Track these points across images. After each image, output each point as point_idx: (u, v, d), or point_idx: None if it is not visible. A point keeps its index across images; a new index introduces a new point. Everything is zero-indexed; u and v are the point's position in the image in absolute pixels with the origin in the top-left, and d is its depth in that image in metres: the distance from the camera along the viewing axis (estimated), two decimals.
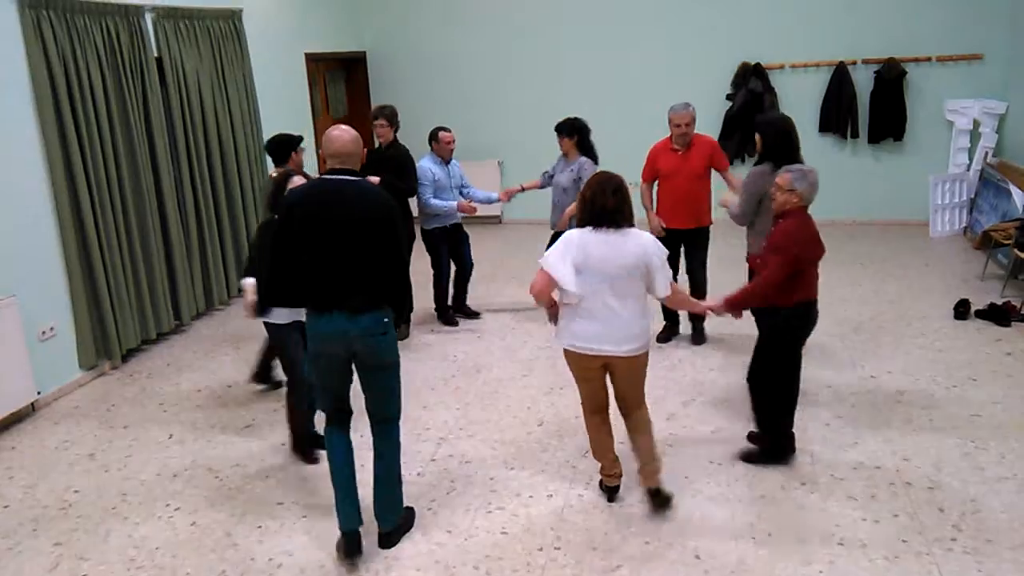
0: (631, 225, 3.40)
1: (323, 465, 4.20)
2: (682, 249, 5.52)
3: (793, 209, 3.69)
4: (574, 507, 3.72)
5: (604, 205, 3.35)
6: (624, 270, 3.35)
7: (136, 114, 5.79)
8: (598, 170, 3.77)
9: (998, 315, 5.72)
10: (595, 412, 3.69)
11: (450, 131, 5.99)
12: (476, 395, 4.98)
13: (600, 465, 3.77)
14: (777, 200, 3.73)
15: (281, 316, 3.97)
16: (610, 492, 3.76)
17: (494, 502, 3.80)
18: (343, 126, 3.34)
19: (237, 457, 4.35)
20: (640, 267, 3.37)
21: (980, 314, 5.82)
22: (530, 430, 4.50)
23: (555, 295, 3.49)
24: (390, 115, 5.75)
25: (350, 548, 3.38)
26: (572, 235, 3.40)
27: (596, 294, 3.37)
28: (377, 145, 5.83)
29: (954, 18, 8.05)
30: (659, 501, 3.60)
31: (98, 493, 4.05)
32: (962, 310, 5.85)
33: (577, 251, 3.35)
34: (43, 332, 5.16)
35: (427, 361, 5.55)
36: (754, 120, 4.98)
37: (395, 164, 5.63)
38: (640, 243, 3.37)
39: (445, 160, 5.96)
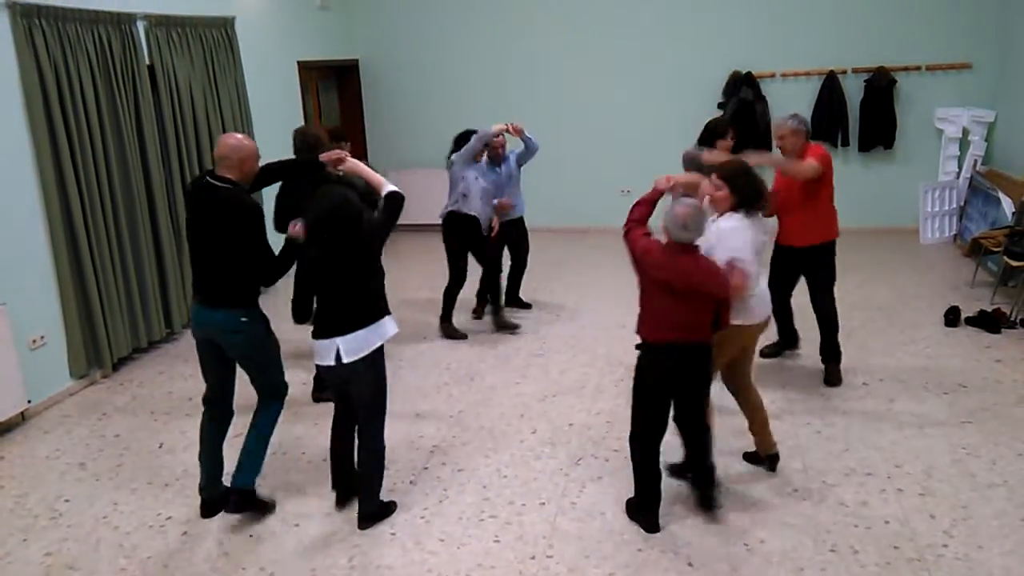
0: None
1: (314, 474, 4.19)
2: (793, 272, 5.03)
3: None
4: (567, 515, 3.72)
5: (759, 190, 3.64)
6: (763, 244, 3.72)
7: (128, 122, 5.78)
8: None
9: (988, 322, 5.75)
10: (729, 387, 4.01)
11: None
12: (469, 403, 4.98)
13: (763, 437, 4.01)
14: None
15: None
16: (772, 460, 4.02)
17: (487, 510, 3.80)
18: (237, 134, 3.67)
19: (227, 466, 4.32)
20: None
21: (970, 321, 5.85)
22: (523, 438, 4.49)
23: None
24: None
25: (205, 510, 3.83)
26: (737, 224, 3.58)
27: (758, 268, 3.68)
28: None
29: (943, 28, 8.11)
30: (775, 463, 4.00)
31: (89, 502, 4.03)
32: (952, 317, 5.88)
33: (751, 237, 3.59)
34: (33, 341, 5.13)
35: (420, 368, 5.55)
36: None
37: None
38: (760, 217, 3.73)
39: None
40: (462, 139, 5.95)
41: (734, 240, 3.53)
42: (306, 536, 3.66)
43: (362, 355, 3.49)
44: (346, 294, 3.47)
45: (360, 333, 3.48)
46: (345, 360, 3.47)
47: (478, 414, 4.81)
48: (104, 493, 4.11)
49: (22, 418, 5.01)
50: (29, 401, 5.02)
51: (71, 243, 5.31)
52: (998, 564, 3.22)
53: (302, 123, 8.44)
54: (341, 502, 3.87)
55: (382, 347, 3.58)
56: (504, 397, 5.04)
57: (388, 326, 3.60)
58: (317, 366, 3.61)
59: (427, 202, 9.48)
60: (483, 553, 3.47)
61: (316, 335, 3.54)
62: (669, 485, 3.88)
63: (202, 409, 3.89)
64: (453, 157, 5.93)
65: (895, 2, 8.15)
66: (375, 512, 3.74)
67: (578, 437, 4.47)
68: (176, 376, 5.64)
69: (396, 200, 3.65)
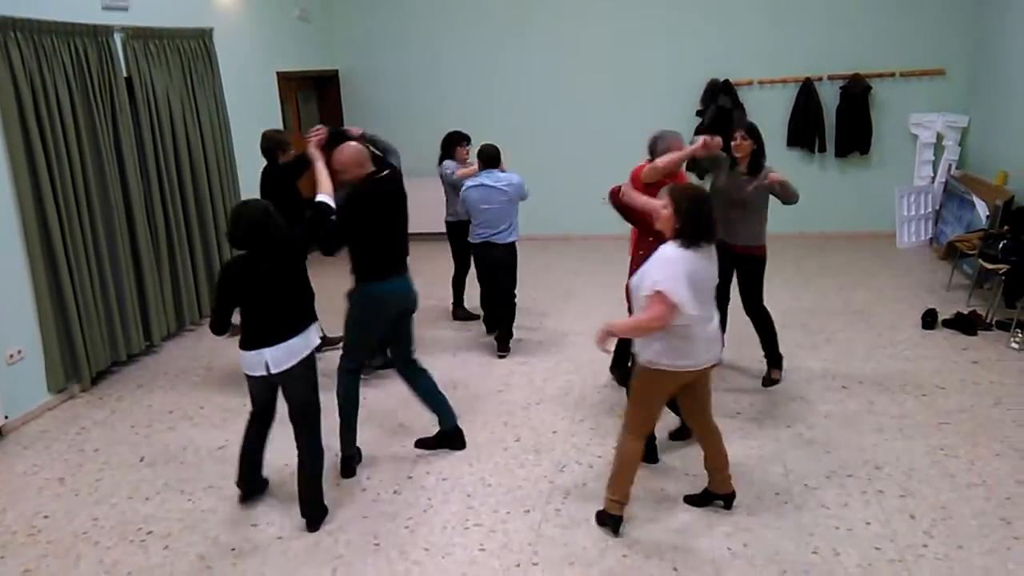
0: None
1: (295, 486, 4.16)
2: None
3: None
4: (551, 522, 3.72)
5: (701, 223, 3.23)
6: (714, 282, 3.41)
7: (105, 134, 5.74)
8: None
9: (964, 324, 5.82)
10: (645, 436, 3.60)
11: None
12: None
13: (619, 495, 3.56)
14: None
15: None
16: (615, 524, 3.59)
17: (471, 519, 3.79)
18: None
19: (209, 479, 4.30)
20: (715, 275, 3.44)
21: (947, 323, 5.92)
22: (507, 446, 4.49)
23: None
24: None
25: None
26: (671, 254, 3.23)
27: (698, 309, 3.24)
28: None
29: (917, 35, 8.23)
30: (731, 502, 3.73)
31: (68, 518, 3.98)
32: (929, 320, 5.95)
33: (687, 270, 3.20)
34: (10, 356, 5.07)
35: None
36: (741, 125, 5.01)
37: None
38: (714, 254, 3.40)
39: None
40: (450, 142, 6.06)
41: (657, 271, 3.21)
42: (289, 549, 3.63)
43: (290, 364, 3.59)
44: (271, 305, 3.54)
45: (288, 343, 3.58)
46: (273, 371, 3.58)
47: (462, 422, 4.79)
48: (83, 508, 4.07)
49: None
50: (6, 416, 4.96)
51: (48, 256, 5.26)
52: (978, 564, 3.26)
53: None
54: (244, 500, 4.03)
55: (312, 353, 3.70)
56: (488, 405, 5.03)
57: (312, 335, 3.71)
58: (247, 376, 3.69)
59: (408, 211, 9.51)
60: (468, 562, 3.47)
61: (243, 346, 3.61)
62: (653, 490, 3.90)
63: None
64: (446, 164, 5.98)
65: (870, 10, 8.26)
66: (324, 513, 3.82)
67: (562, 444, 4.47)
68: (156, 389, 5.59)
69: (321, 212, 3.77)
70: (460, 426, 4.51)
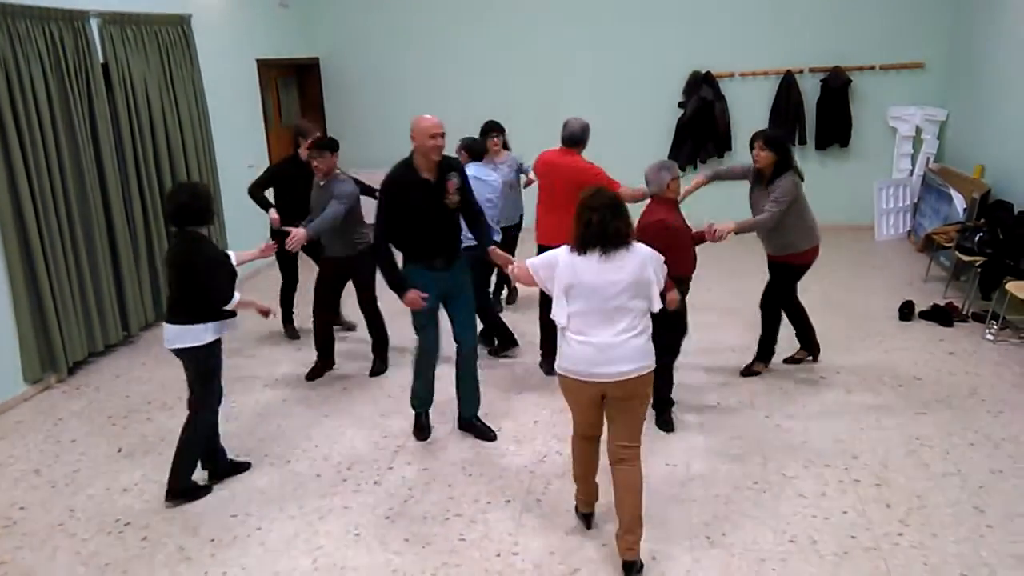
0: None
1: (276, 476, 4.15)
2: None
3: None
4: (532, 512, 3.73)
5: (607, 227, 3.12)
6: (612, 298, 3.13)
7: (81, 120, 5.66)
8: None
9: (941, 316, 5.89)
10: (585, 439, 3.42)
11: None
12: (434, 402, 4.95)
13: (576, 489, 3.57)
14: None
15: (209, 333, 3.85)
16: (586, 519, 3.58)
17: (452, 509, 3.79)
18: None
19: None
20: (638, 284, 3.15)
21: (924, 315, 5.99)
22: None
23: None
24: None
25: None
26: (558, 252, 3.23)
27: (587, 317, 3.15)
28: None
29: (896, 28, 8.29)
30: (633, 570, 3.22)
31: (44, 509, 3.94)
32: (907, 311, 6.01)
33: (567, 274, 3.16)
34: None
35: (388, 368, 5.51)
36: (760, 135, 4.84)
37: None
38: (639, 258, 3.17)
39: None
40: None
41: (541, 257, 3.30)
42: (268, 540, 3.62)
43: (176, 346, 3.78)
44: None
45: (174, 327, 3.78)
46: (167, 345, 3.82)
47: (443, 413, 4.80)
48: (60, 500, 4.03)
49: None
50: None
51: (23, 245, 5.18)
52: (952, 552, 3.31)
53: (261, 122, 8.34)
54: (212, 479, 4.12)
55: (210, 346, 3.81)
56: None
57: (201, 334, 3.78)
58: None
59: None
60: (448, 552, 3.47)
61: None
62: None
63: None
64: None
65: (849, 3, 8.31)
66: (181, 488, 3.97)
67: (543, 434, 4.49)
68: (133, 380, 5.54)
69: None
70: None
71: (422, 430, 4.53)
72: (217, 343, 3.86)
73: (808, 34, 8.45)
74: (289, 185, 5.67)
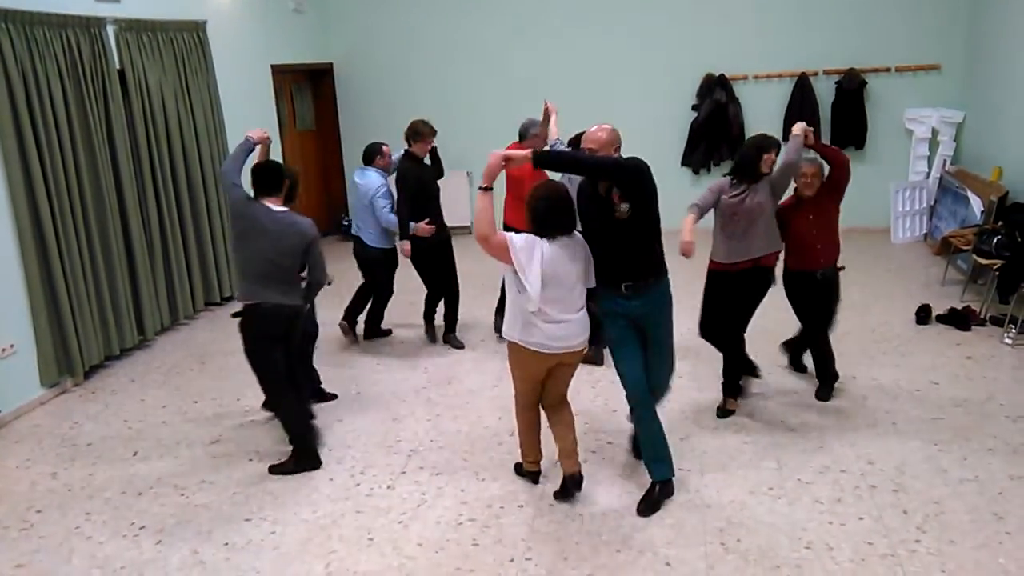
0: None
1: (290, 480, 4.16)
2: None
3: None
4: (545, 517, 3.72)
5: (560, 215, 3.51)
6: (576, 272, 3.55)
7: (98, 126, 5.71)
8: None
9: (958, 319, 5.83)
10: (532, 407, 3.89)
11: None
12: (447, 406, 4.97)
13: (525, 455, 4.01)
14: (815, 186, 4.61)
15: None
16: (534, 477, 4.02)
17: (465, 514, 3.79)
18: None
19: (203, 473, 4.29)
20: (579, 268, 3.57)
21: (941, 319, 5.94)
22: (501, 440, 4.49)
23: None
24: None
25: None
26: (535, 241, 3.49)
27: (558, 298, 3.52)
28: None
29: (912, 30, 8.24)
30: (577, 485, 3.82)
31: (61, 512, 3.97)
32: (923, 315, 5.96)
33: (543, 259, 3.47)
34: (3, 349, 5.04)
35: (398, 372, 5.53)
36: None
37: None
38: (579, 243, 3.60)
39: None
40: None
41: (521, 237, 3.51)
42: (283, 543, 3.63)
43: None
44: None
45: None
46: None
47: (456, 417, 4.80)
48: (76, 503, 4.06)
49: None
50: None
51: (41, 250, 5.23)
52: (970, 558, 3.27)
53: (276, 127, 8.38)
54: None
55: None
56: (482, 400, 5.03)
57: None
58: None
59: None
60: (462, 556, 3.47)
61: None
62: (645, 485, 3.88)
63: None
64: None
65: (865, 5, 8.26)
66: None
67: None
68: (149, 384, 5.58)
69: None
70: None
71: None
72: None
73: (823, 36, 8.41)
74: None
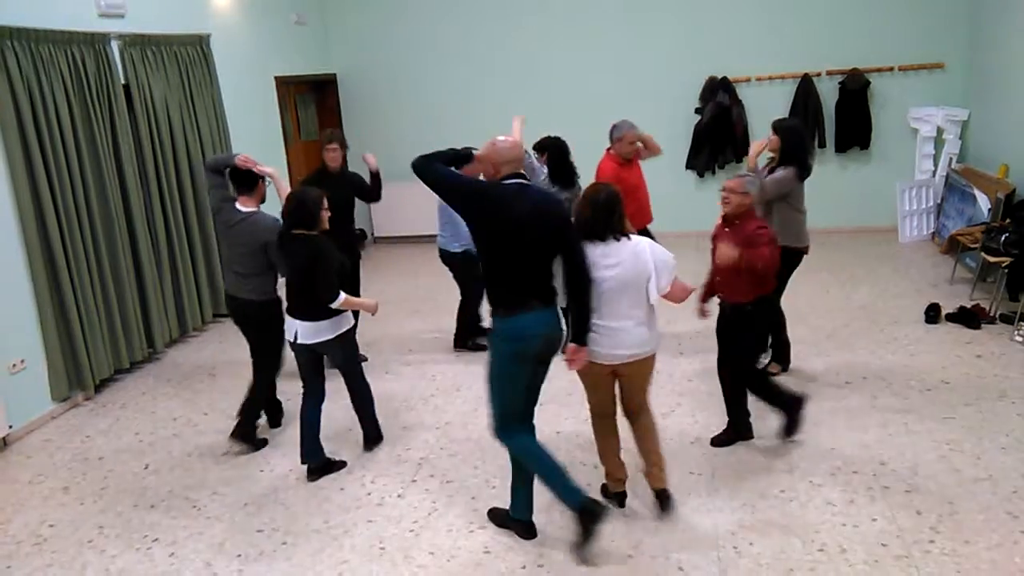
0: (624, 235, 3.43)
1: (301, 491, 4.17)
2: None
3: (751, 211, 3.99)
4: (556, 523, 3.71)
5: (600, 217, 3.40)
6: (624, 277, 3.38)
7: (104, 141, 5.74)
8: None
9: (968, 318, 5.81)
10: (603, 416, 3.72)
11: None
12: (456, 413, 4.97)
13: (605, 470, 3.80)
14: (733, 203, 3.95)
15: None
16: (618, 498, 3.77)
17: (476, 521, 3.78)
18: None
19: (215, 485, 4.30)
20: (640, 274, 3.40)
21: (950, 317, 5.91)
22: None
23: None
24: (342, 139, 5.58)
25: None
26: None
27: (605, 303, 3.41)
28: (331, 167, 5.48)
29: (915, 28, 8.22)
30: (666, 502, 3.65)
31: (74, 527, 3.98)
32: (932, 314, 5.94)
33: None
34: (13, 365, 5.07)
35: (406, 380, 5.53)
36: (774, 124, 4.90)
37: (356, 183, 5.64)
38: (636, 250, 3.40)
39: None
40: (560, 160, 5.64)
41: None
42: (294, 553, 3.63)
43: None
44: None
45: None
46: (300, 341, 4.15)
47: (465, 424, 4.80)
48: (89, 517, 4.07)
49: (3, 443, 4.95)
50: (10, 426, 4.97)
51: (49, 265, 5.26)
52: (985, 558, 3.25)
53: (281, 138, 8.42)
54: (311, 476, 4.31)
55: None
56: None
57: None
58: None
59: (407, 215, 9.51)
60: (473, 564, 3.46)
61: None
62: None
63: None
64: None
65: (867, 5, 8.25)
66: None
67: (566, 444, 4.47)
68: (160, 396, 5.59)
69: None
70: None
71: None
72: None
73: (825, 37, 8.40)
74: None
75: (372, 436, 4.57)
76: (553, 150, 5.71)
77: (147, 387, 5.79)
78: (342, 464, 4.37)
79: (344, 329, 4.18)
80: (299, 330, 4.11)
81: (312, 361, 4.25)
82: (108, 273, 5.74)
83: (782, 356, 5.17)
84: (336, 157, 5.46)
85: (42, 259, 5.19)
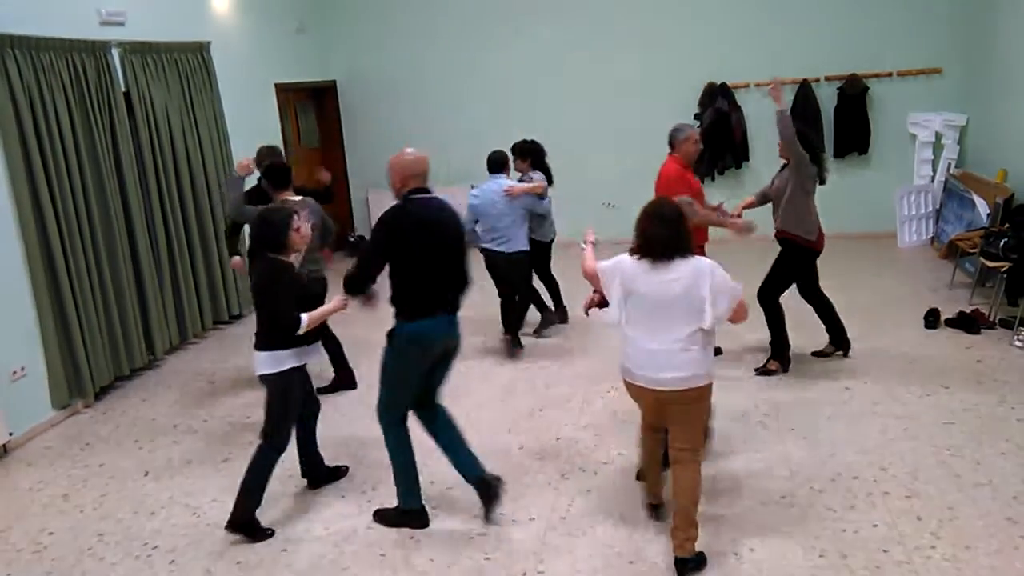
0: (687, 254, 3.24)
1: (301, 497, 4.16)
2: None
3: None
4: (557, 530, 3.71)
5: (649, 239, 3.25)
6: (665, 307, 3.22)
7: (105, 149, 5.76)
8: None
9: (967, 323, 5.81)
10: (648, 428, 3.60)
11: None
12: (456, 419, 4.95)
13: (646, 485, 3.76)
14: None
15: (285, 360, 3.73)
16: (653, 511, 3.71)
17: (476, 528, 3.78)
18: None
19: (215, 492, 4.29)
20: (690, 298, 3.19)
21: (950, 322, 5.91)
22: (511, 454, 4.49)
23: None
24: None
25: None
26: (621, 257, 3.37)
27: (639, 323, 3.28)
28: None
29: (913, 34, 8.24)
30: (682, 572, 3.29)
31: (73, 534, 3.98)
32: (932, 319, 5.94)
33: (626, 278, 3.30)
34: (14, 373, 5.07)
35: None
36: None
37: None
38: (693, 271, 3.20)
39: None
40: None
41: (609, 261, 3.41)
42: (295, 560, 3.63)
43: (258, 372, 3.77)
44: None
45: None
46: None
47: (465, 431, 4.79)
48: (89, 524, 4.06)
49: (3, 451, 4.95)
50: (11, 433, 4.97)
51: (50, 272, 5.27)
52: (985, 564, 3.24)
53: (281, 145, 8.42)
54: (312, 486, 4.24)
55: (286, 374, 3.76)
56: (491, 413, 5.03)
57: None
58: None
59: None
60: (474, 571, 3.46)
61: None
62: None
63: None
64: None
65: (865, 10, 8.28)
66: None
67: (566, 451, 4.47)
68: (160, 403, 5.59)
69: None
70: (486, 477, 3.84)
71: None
72: (295, 374, 3.75)
73: (823, 42, 8.42)
74: None
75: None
76: (535, 155, 6.09)
77: (147, 394, 5.79)
78: (344, 471, 4.34)
79: (278, 369, 3.71)
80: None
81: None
82: (108, 280, 5.75)
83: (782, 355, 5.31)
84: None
85: (42, 266, 5.20)
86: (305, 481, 4.28)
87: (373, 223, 4.08)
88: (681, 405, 3.27)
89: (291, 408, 3.79)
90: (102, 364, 5.66)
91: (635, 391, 3.40)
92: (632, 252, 3.33)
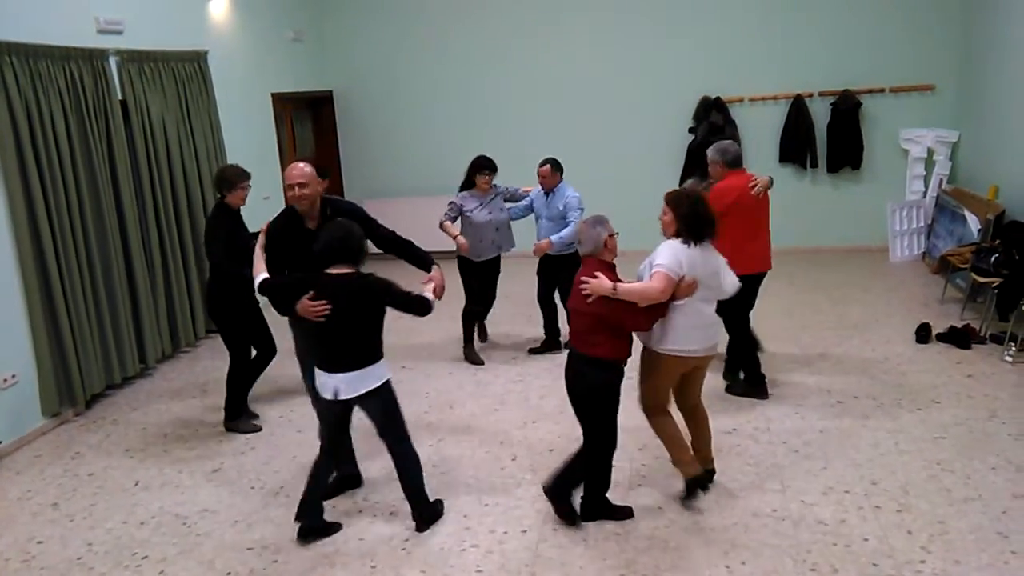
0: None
1: (289, 511, 4.15)
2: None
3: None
4: (549, 542, 3.71)
5: (700, 222, 3.68)
6: (712, 277, 3.73)
7: (100, 157, 5.76)
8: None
9: (958, 338, 5.84)
10: (662, 412, 3.92)
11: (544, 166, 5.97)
12: (449, 431, 4.96)
13: (682, 459, 3.91)
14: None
15: None
16: (702, 482, 3.91)
17: (468, 539, 3.78)
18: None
19: (205, 502, 4.28)
20: (717, 273, 3.77)
21: (941, 337, 5.94)
22: (503, 465, 4.48)
23: None
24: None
25: None
26: (674, 244, 3.67)
27: (699, 301, 3.70)
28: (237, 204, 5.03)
29: (906, 50, 8.32)
30: (710, 476, 4.03)
31: (62, 543, 3.96)
32: (923, 334, 5.97)
33: (687, 261, 3.62)
34: (4, 380, 5.05)
35: (399, 398, 5.50)
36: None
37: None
38: (715, 252, 3.79)
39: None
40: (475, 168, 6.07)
41: (660, 256, 3.65)
42: (285, 571, 3.61)
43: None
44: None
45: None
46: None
47: (458, 442, 4.79)
48: (78, 534, 4.04)
49: None
50: (0, 441, 4.94)
51: (43, 280, 5.25)
52: None
53: (276, 154, 8.44)
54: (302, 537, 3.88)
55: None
56: (484, 425, 5.03)
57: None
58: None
59: (402, 231, 9.50)
60: None
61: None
62: (650, 508, 3.89)
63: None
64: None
65: (859, 26, 8.35)
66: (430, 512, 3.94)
67: (559, 462, 4.45)
68: (151, 412, 5.57)
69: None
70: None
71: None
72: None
73: (817, 58, 8.50)
74: None
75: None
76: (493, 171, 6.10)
77: (138, 403, 5.77)
78: (337, 527, 3.93)
79: (390, 375, 3.86)
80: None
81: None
82: (101, 288, 5.74)
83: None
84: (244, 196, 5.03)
85: (35, 274, 5.19)
86: (292, 495, 4.26)
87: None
88: (705, 366, 3.92)
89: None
90: (93, 372, 5.65)
91: (687, 364, 3.78)
92: (678, 237, 3.68)
